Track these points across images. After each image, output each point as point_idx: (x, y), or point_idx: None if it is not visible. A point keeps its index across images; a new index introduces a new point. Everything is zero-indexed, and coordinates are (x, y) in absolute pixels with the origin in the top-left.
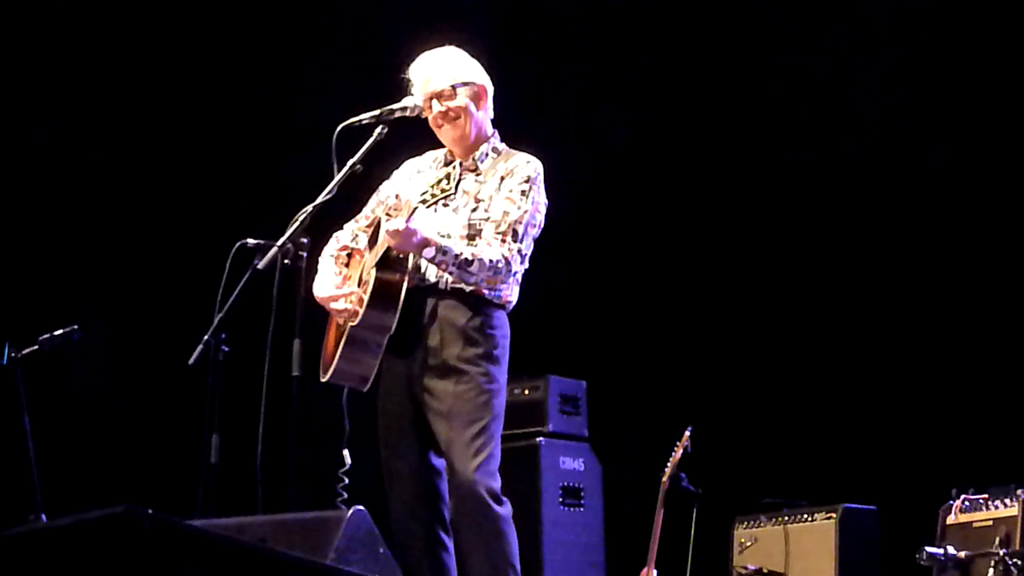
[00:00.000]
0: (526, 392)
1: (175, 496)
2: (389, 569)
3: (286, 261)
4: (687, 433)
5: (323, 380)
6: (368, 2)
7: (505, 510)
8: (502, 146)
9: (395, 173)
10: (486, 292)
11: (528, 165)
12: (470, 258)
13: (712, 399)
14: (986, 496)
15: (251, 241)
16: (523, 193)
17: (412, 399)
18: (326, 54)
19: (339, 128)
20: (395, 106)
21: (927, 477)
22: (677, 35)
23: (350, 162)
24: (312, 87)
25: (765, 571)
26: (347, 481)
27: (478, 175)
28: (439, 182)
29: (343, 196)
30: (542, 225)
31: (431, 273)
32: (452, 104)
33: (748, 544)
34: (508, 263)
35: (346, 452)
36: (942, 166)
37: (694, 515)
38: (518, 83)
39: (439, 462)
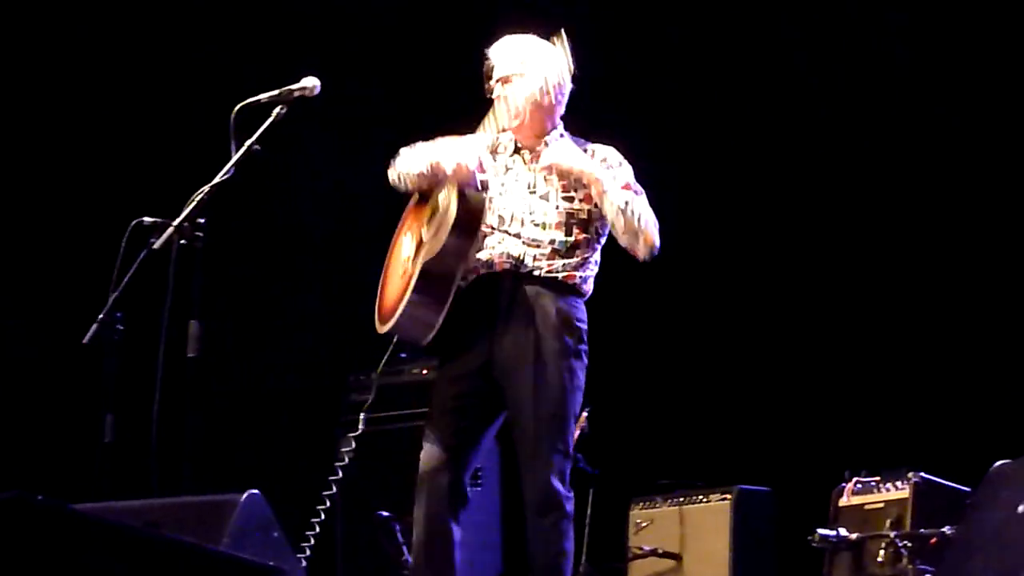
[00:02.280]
0: (424, 372)
1: (70, 476)
2: (283, 553)
3: (183, 240)
4: (584, 414)
5: (382, 331)
6: None
7: (570, 506)
8: (569, 136)
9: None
10: (577, 280)
11: (611, 152)
12: (635, 207)
13: (609, 381)
14: (878, 479)
15: (147, 219)
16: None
17: (489, 381)
18: (227, 31)
19: (237, 108)
20: (294, 87)
21: (821, 459)
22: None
23: (248, 142)
24: (212, 65)
25: (661, 552)
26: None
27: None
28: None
29: (240, 176)
30: None
31: (528, 260)
32: (512, 90)
33: (644, 525)
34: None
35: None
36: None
37: (590, 496)
38: None
39: (488, 443)
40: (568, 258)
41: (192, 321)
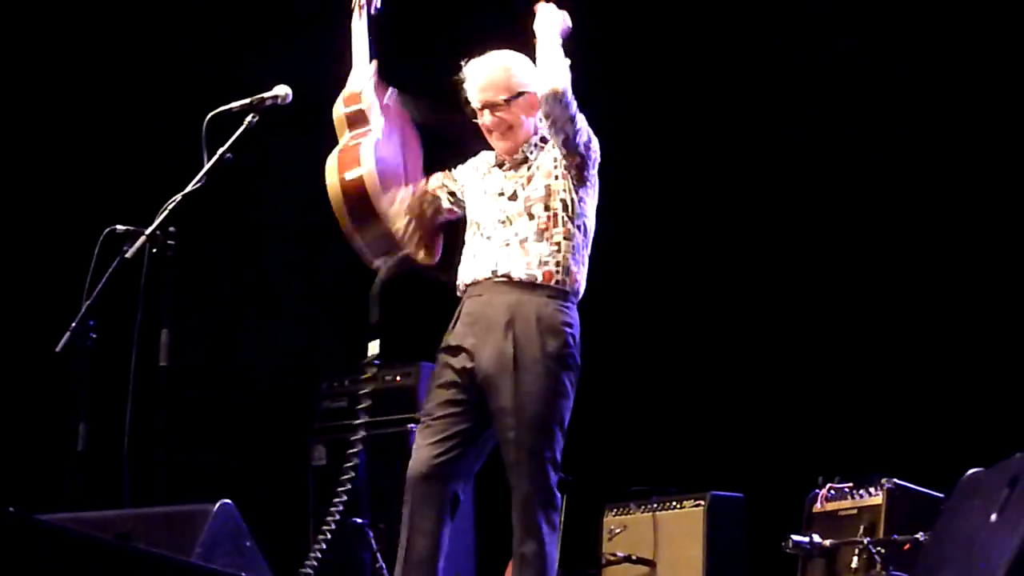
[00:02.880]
0: (398, 379)
1: (42, 485)
2: (254, 563)
3: (154, 249)
4: None
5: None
6: None
7: (548, 535)
8: (549, 134)
9: (469, 162)
10: (558, 279)
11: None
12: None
13: (581, 387)
14: (851, 485)
15: (120, 227)
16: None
17: (475, 390)
18: (198, 38)
19: (209, 116)
20: (266, 95)
21: (794, 465)
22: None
23: (220, 150)
24: (183, 73)
25: (634, 558)
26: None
27: (526, 165)
28: (490, 183)
29: (212, 185)
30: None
31: (504, 266)
32: (505, 116)
33: (618, 531)
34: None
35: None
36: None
37: (564, 502)
38: None
39: (480, 451)
40: (539, 243)
41: (164, 329)
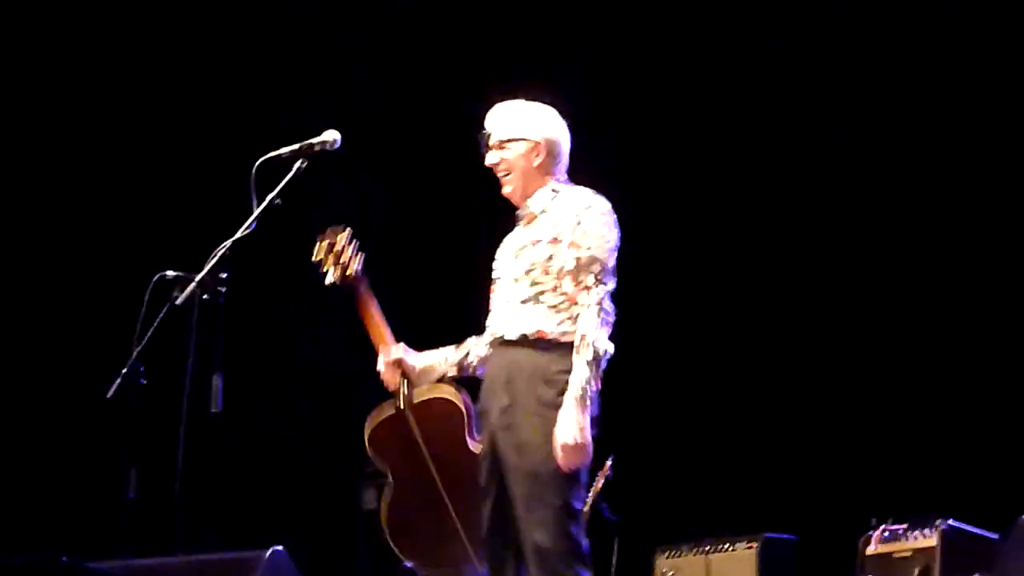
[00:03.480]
0: None
1: (93, 531)
2: None
3: (205, 296)
4: (608, 462)
5: None
6: (291, 36)
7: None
8: (561, 186)
9: None
10: (549, 334)
11: (578, 201)
12: (591, 366)
13: (633, 427)
14: (905, 526)
15: (170, 273)
16: (584, 232)
17: (494, 446)
18: (250, 86)
19: (259, 162)
20: (315, 140)
21: (847, 507)
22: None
23: (269, 196)
24: (234, 119)
25: None
26: None
27: (535, 221)
28: (511, 242)
29: (262, 230)
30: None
31: (500, 328)
32: (503, 156)
33: (670, 574)
34: (600, 312)
35: None
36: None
37: (615, 544)
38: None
39: None
40: (536, 306)
41: (215, 375)
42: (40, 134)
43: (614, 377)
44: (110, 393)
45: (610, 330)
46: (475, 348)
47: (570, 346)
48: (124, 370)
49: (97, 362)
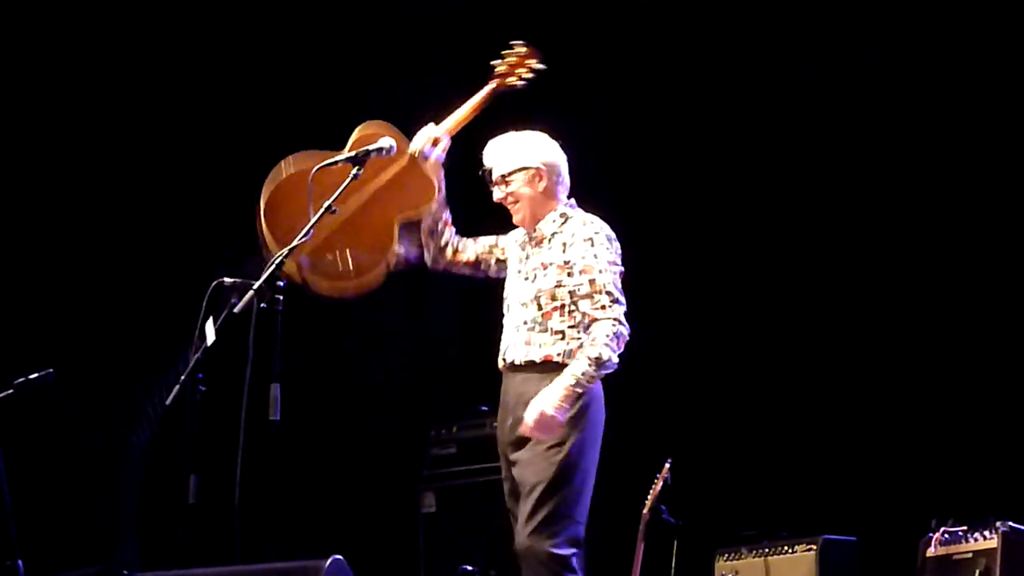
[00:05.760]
0: None
1: (153, 538)
2: None
3: (263, 304)
4: (667, 465)
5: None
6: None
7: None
8: (569, 210)
9: (511, 233)
10: (555, 357)
11: (586, 227)
12: (593, 364)
13: (692, 430)
14: (965, 528)
15: (228, 280)
16: (595, 256)
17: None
18: (306, 94)
19: (315, 170)
20: (370, 147)
21: (907, 509)
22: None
23: (325, 203)
24: (291, 129)
25: None
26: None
27: (544, 244)
28: (520, 260)
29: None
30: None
31: (510, 354)
32: (508, 190)
33: None
34: (617, 327)
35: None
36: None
37: (675, 547)
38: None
39: None
40: (543, 333)
41: (274, 384)
42: (97, 146)
43: (670, 382)
44: (168, 401)
45: (621, 349)
46: (459, 243)
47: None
48: (183, 378)
49: (156, 370)
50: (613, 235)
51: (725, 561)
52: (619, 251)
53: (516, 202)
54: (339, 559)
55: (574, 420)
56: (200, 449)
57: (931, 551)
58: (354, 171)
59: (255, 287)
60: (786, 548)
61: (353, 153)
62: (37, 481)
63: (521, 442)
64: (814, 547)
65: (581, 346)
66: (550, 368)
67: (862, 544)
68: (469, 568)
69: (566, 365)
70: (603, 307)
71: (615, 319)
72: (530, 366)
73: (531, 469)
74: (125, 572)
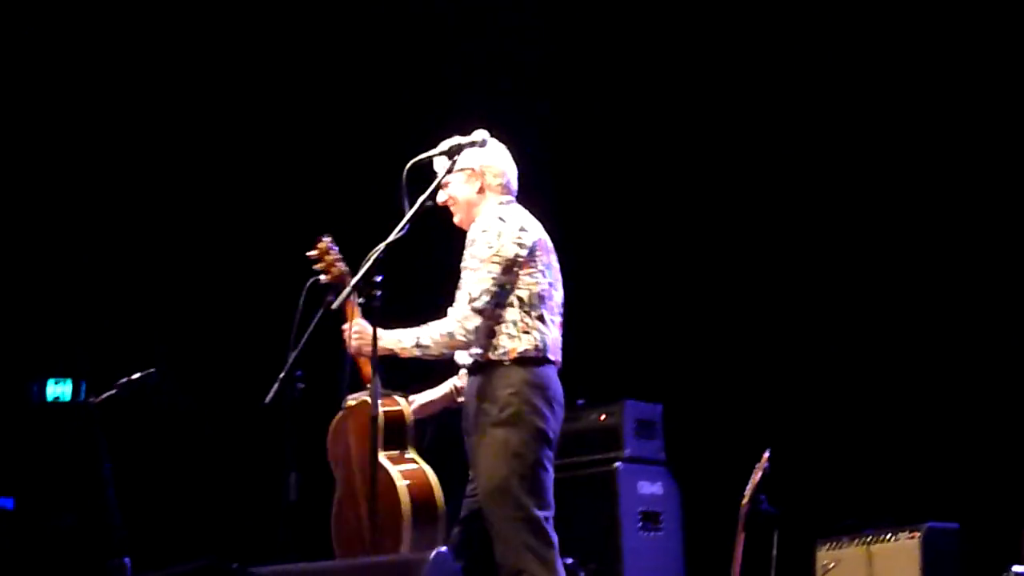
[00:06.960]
0: (602, 418)
1: (254, 535)
2: None
3: (361, 299)
4: (766, 454)
5: None
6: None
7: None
8: (492, 210)
9: None
10: (495, 356)
11: (473, 228)
12: (446, 330)
13: (791, 419)
14: None
15: (323, 278)
16: (471, 255)
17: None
18: (399, 92)
19: (409, 164)
20: (463, 140)
21: (1011, 494)
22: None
23: (421, 198)
24: (382, 124)
25: None
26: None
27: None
28: None
29: (414, 233)
30: (505, 261)
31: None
32: (448, 192)
33: (831, 566)
34: (455, 326)
35: None
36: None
37: (775, 537)
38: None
39: None
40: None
41: (373, 376)
42: (195, 151)
43: (769, 371)
44: (268, 399)
45: (449, 351)
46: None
47: (502, 363)
48: (281, 375)
49: (255, 368)
50: (509, 227)
51: (827, 550)
52: (515, 238)
53: (455, 204)
54: (443, 551)
55: (503, 419)
56: (299, 445)
57: None
58: (448, 166)
59: (352, 283)
60: (888, 536)
61: (447, 146)
62: (143, 478)
63: (472, 449)
64: (917, 535)
65: (496, 337)
66: (484, 367)
67: (966, 530)
68: (568, 560)
69: (491, 360)
70: (457, 304)
71: (460, 319)
72: (473, 367)
73: (483, 470)
74: (235, 566)
